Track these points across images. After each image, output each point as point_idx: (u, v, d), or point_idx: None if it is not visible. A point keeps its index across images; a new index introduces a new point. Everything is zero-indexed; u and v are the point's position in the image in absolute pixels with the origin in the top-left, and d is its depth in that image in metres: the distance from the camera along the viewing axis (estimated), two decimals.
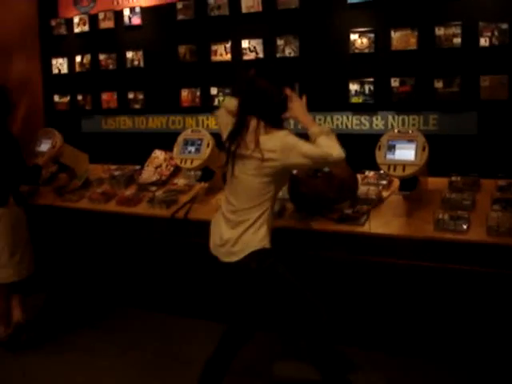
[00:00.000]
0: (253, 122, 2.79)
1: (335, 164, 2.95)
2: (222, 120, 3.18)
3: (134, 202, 4.27)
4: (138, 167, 4.73)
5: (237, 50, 4.50)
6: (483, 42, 3.69)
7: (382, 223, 3.42)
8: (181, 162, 4.03)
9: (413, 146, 3.36)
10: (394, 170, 3.35)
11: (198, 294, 4.34)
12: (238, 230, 2.84)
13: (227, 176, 2.95)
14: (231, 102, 3.17)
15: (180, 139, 4.10)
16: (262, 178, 2.80)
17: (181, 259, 4.33)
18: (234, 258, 2.85)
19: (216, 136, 4.20)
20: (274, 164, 2.75)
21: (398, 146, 3.40)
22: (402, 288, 3.56)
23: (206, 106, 4.69)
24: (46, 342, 4.18)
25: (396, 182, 3.65)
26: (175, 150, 4.08)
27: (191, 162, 3.97)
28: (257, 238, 2.82)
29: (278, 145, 2.72)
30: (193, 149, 4.01)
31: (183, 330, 4.27)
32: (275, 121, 2.84)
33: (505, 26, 3.62)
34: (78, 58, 5.31)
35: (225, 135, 3.00)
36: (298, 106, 2.90)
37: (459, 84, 3.78)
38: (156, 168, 4.58)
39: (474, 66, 3.75)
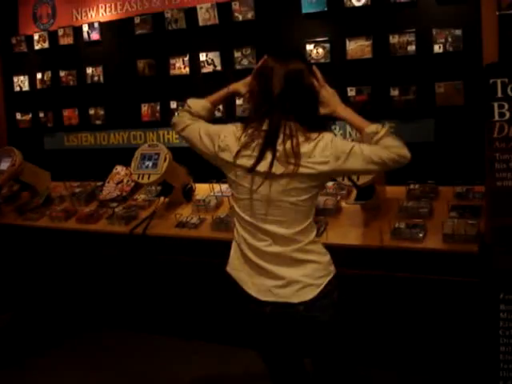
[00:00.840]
0: (288, 127, 2.08)
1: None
2: (198, 128, 2.29)
3: (94, 218, 4.21)
4: (99, 183, 4.66)
5: (195, 63, 4.47)
6: (437, 48, 3.68)
7: (340, 233, 3.39)
8: (138, 178, 3.98)
9: None
10: (349, 179, 3.32)
11: (160, 310, 4.29)
12: (302, 261, 2.17)
13: (242, 203, 2.18)
14: (198, 104, 2.42)
15: (137, 154, 4.05)
16: (310, 193, 2.13)
17: (141, 275, 4.27)
18: (310, 295, 2.15)
19: (174, 150, 4.19)
20: (327, 175, 2.16)
21: None
22: (358, 297, 3.53)
23: (166, 120, 4.65)
24: (8, 364, 4.10)
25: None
26: (133, 165, 4.04)
27: (148, 177, 3.92)
28: (324, 261, 2.26)
29: (328, 154, 2.06)
30: (150, 163, 3.97)
31: (146, 348, 4.20)
32: (313, 120, 2.18)
33: (458, 32, 3.62)
34: (39, 75, 5.27)
35: (216, 147, 2.18)
36: (334, 97, 2.35)
37: (415, 91, 3.77)
38: (117, 184, 4.53)
39: (429, 73, 3.74)
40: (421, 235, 3.17)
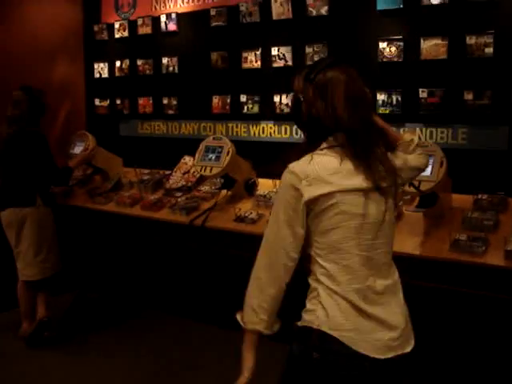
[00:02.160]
0: None
1: None
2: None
3: (157, 207, 4.28)
4: (167, 172, 4.74)
5: (266, 58, 4.44)
6: None
7: (397, 241, 3.25)
8: (201, 170, 4.02)
9: (430, 160, 3.19)
10: (409, 186, 3.20)
11: (215, 301, 4.33)
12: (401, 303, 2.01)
13: (352, 232, 1.81)
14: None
15: (202, 146, 4.09)
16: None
17: (198, 266, 4.32)
18: (412, 343, 1.96)
19: (241, 144, 4.19)
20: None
21: None
22: (414, 308, 3.41)
23: (236, 113, 4.66)
24: (66, 341, 4.27)
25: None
26: (196, 156, 4.08)
27: (210, 170, 3.94)
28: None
29: (399, 162, 2.00)
30: (213, 156, 3.99)
31: (199, 336, 4.27)
32: None
33: None
34: (118, 63, 5.41)
35: None
36: None
37: (490, 96, 3.58)
38: (183, 174, 4.59)
39: (506, 78, 3.54)
40: (481, 249, 3.01)
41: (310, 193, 1.77)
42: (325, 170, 1.78)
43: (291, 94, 2.29)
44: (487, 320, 3.16)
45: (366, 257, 1.81)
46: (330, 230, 1.80)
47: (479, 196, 3.49)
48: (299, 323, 1.86)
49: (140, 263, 4.79)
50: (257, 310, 1.88)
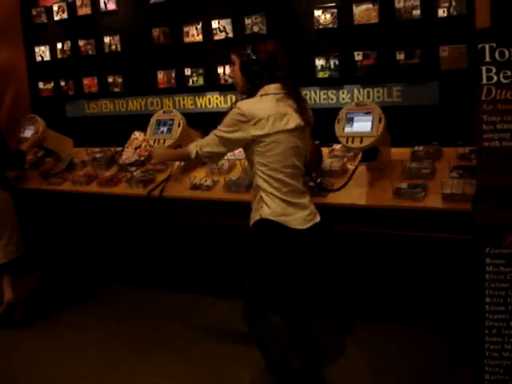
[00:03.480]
0: None
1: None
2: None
3: (114, 182, 4.40)
4: (119, 149, 4.85)
5: (207, 31, 4.59)
6: (441, 12, 3.75)
7: (345, 194, 3.54)
8: (154, 142, 4.16)
9: (369, 117, 3.46)
10: (352, 142, 3.46)
11: (175, 267, 4.55)
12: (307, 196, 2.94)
13: None
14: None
15: (153, 120, 4.23)
16: None
17: (158, 236, 4.51)
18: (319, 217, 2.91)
19: (189, 115, 4.35)
20: None
21: (356, 118, 3.50)
22: (362, 255, 3.73)
23: (181, 87, 4.80)
24: (37, 319, 4.39)
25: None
26: (148, 130, 4.22)
27: (164, 142, 4.10)
28: None
29: None
30: (165, 129, 4.14)
31: (164, 303, 4.47)
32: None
33: None
34: (59, 45, 5.42)
35: None
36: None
37: (420, 55, 3.86)
38: (135, 149, 4.71)
39: (433, 37, 3.82)
40: (421, 195, 3.30)
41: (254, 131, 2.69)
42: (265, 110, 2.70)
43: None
44: (429, 258, 3.50)
45: (291, 173, 2.78)
46: (267, 153, 2.72)
47: (416, 148, 3.78)
48: (255, 219, 2.79)
49: (100, 239, 4.92)
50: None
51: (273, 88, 2.75)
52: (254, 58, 2.74)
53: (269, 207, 2.74)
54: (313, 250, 3.07)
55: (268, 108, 2.71)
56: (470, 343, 2.72)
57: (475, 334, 2.53)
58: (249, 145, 2.77)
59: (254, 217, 2.82)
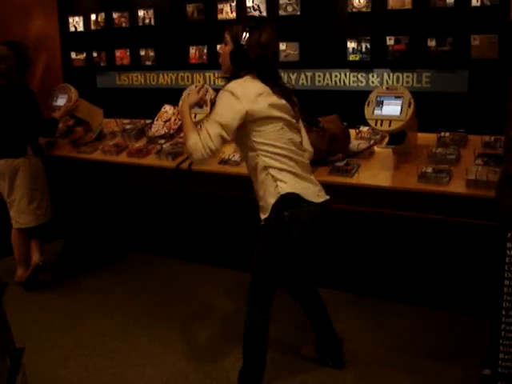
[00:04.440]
0: None
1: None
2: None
3: (144, 153, 4.51)
4: (148, 121, 4.94)
5: (241, 9, 4.65)
6: (475, 1, 3.79)
7: (370, 175, 3.63)
8: None
9: (399, 102, 3.53)
10: (381, 124, 3.54)
11: (202, 240, 4.67)
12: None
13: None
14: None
15: (184, 94, 4.29)
16: None
17: (185, 208, 4.63)
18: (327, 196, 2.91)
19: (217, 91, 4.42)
20: None
21: (385, 101, 3.58)
22: (384, 235, 3.82)
23: (213, 63, 4.88)
24: (63, 283, 4.54)
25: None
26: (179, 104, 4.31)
27: (195, 116, 4.19)
28: None
29: None
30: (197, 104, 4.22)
31: (188, 274, 4.61)
32: None
33: None
34: (93, 17, 5.50)
35: None
36: None
37: (451, 43, 3.91)
38: (165, 122, 4.80)
39: (465, 26, 3.86)
40: (446, 180, 3.38)
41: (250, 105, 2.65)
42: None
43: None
44: (450, 242, 3.59)
45: (294, 149, 2.78)
46: (266, 131, 2.71)
47: (442, 134, 3.84)
48: (272, 203, 2.71)
49: (127, 209, 5.06)
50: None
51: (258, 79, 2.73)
52: (245, 49, 2.70)
53: (285, 182, 2.71)
54: (322, 226, 3.00)
55: (258, 86, 2.70)
56: (485, 326, 2.83)
57: (492, 314, 2.63)
58: (245, 125, 2.69)
59: (270, 202, 2.72)
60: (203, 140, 2.64)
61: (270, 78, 2.74)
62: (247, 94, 2.65)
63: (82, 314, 4.02)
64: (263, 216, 2.78)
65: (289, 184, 2.72)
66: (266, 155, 2.72)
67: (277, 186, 2.71)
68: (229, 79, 2.78)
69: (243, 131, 2.73)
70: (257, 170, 2.76)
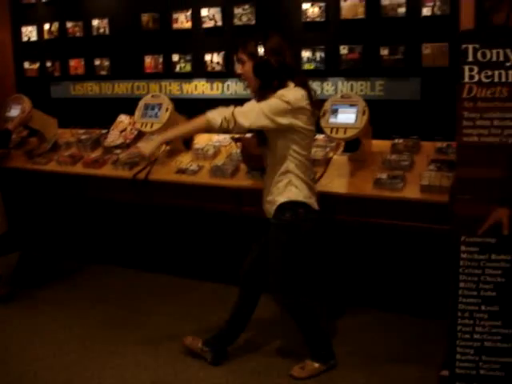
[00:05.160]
0: None
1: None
2: None
3: (99, 163, 4.46)
4: (104, 131, 4.90)
5: (197, 18, 4.66)
6: (426, 11, 3.89)
7: (327, 182, 3.67)
8: (141, 126, 4.25)
9: (354, 110, 3.59)
10: (337, 132, 3.59)
11: (159, 250, 4.65)
12: None
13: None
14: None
15: (141, 104, 4.30)
16: None
17: (142, 218, 4.59)
18: None
19: (175, 101, 4.42)
20: None
21: (340, 110, 3.63)
22: (341, 241, 3.87)
23: (168, 72, 4.87)
24: (19, 296, 4.44)
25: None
26: (136, 114, 4.29)
27: (151, 126, 4.18)
28: None
29: None
30: (153, 113, 4.22)
31: (146, 284, 4.57)
32: None
33: None
34: (47, 26, 5.43)
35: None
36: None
37: (403, 51, 3.99)
38: (121, 132, 4.76)
39: (417, 35, 3.95)
40: (400, 185, 3.45)
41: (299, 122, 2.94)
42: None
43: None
44: (405, 246, 3.66)
45: (310, 160, 3.15)
46: (302, 142, 2.98)
47: (396, 141, 3.91)
48: (279, 201, 3.01)
49: (83, 220, 5.00)
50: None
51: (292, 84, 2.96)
52: (266, 59, 2.92)
53: (299, 189, 3.01)
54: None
55: (304, 97, 2.94)
56: (442, 327, 2.89)
57: (449, 316, 2.69)
58: (287, 132, 2.94)
59: (278, 199, 3.02)
60: (227, 112, 2.91)
61: (303, 81, 3.02)
62: (298, 105, 2.91)
63: (40, 327, 3.94)
64: (272, 208, 3.06)
65: (302, 192, 3.02)
66: (293, 161, 3.00)
67: (290, 190, 3.01)
68: (260, 94, 2.97)
69: (284, 134, 2.96)
70: (279, 170, 3.02)
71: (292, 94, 2.91)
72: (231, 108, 2.94)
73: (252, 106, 2.94)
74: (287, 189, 3.01)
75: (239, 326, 3.37)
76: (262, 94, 2.96)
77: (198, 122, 3.01)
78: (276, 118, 2.87)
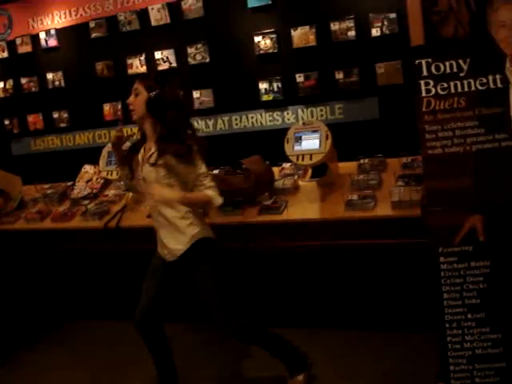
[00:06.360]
0: None
1: None
2: None
3: (69, 216, 4.40)
4: (70, 183, 4.85)
5: (151, 62, 4.69)
6: (375, 32, 3.99)
7: (299, 210, 3.68)
8: (107, 174, 4.22)
9: (317, 135, 3.62)
10: (303, 159, 3.61)
11: (138, 297, 4.55)
12: None
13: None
14: None
15: (104, 152, 4.27)
16: None
17: (117, 266, 4.52)
18: None
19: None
20: None
21: (303, 137, 3.66)
22: (321, 266, 3.86)
23: (128, 118, 4.85)
24: (3, 360, 4.31)
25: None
26: (101, 163, 4.26)
27: (117, 173, 4.15)
28: None
29: None
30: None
31: (128, 333, 4.46)
32: None
33: (393, 15, 3.92)
34: (1, 84, 5.42)
35: None
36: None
37: (358, 73, 4.07)
38: (87, 182, 4.72)
39: (369, 56, 4.04)
40: (371, 205, 3.47)
41: None
42: None
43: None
44: (383, 263, 3.67)
45: None
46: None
47: (361, 161, 3.95)
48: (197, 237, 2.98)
49: (58, 275, 4.90)
50: None
51: None
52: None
53: (203, 225, 3.04)
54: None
55: None
56: (432, 341, 2.89)
57: (436, 329, 2.69)
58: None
59: (196, 235, 2.99)
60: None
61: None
62: None
63: None
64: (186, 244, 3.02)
65: (205, 226, 3.10)
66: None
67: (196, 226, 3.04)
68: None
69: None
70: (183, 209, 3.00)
71: None
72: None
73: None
74: (192, 227, 3.00)
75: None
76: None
77: (201, 197, 2.98)
78: None
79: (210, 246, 3.03)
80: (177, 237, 3.00)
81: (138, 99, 2.96)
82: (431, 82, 2.64)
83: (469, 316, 2.63)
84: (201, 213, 3.09)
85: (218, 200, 2.95)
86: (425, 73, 2.64)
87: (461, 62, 2.60)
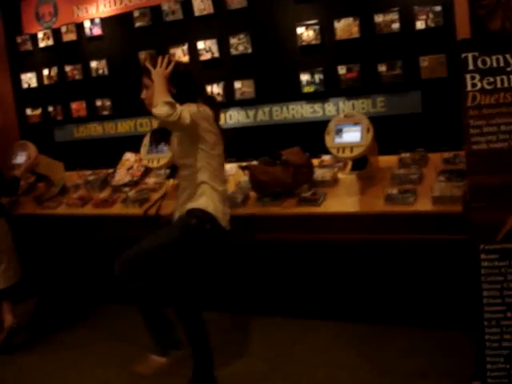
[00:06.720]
0: None
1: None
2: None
3: (109, 203, 4.48)
4: (110, 170, 4.93)
5: (194, 52, 4.71)
6: (419, 25, 3.93)
7: (338, 202, 3.67)
8: (148, 162, 4.26)
9: (358, 128, 3.61)
10: (343, 151, 3.60)
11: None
12: None
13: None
14: None
15: (145, 140, 4.32)
16: None
17: None
18: None
19: None
20: None
21: (344, 129, 3.65)
22: (358, 260, 3.84)
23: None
24: (39, 343, 4.41)
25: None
26: (142, 151, 4.31)
27: (158, 161, 4.20)
28: None
29: None
30: (158, 148, 4.23)
31: None
32: None
33: (438, 8, 3.85)
34: (46, 71, 5.51)
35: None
36: None
37: (401, 66, 4.02)
38: (128, 170, 4.79)
39: (413, 49, 3.99)
40: (412, 199, 3.45)
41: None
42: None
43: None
44: (423, 259, 3.63)
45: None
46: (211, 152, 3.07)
47: (403, 155, 3.93)
48: (192, 206, 3.05)
49: (97, 261, 4.98)
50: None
51: None
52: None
53: (211, 200, 3.06)
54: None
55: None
56: (469, 339, 2.86)
57: (475, 327, 2.66)
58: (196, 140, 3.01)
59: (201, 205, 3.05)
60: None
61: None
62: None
63: (63, 372, 3.90)
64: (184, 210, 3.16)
65: (213, 203, 3.11)
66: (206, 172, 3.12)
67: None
68: None
69: (194, 142, 3.06)
70: (196, 180, 3.10)
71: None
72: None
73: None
74: (200, 198, 3.07)
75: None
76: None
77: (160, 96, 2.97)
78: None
79: (206, 225, 3.03)
80: (188, 200, 3.10)
81: (149, 92, 3.11)
82: (477, 76, 2.61)
83: (508, 315, 2.60)
84: (223, 199, 3.13)
85: (157, 108, 2.88)
86: (471, 67, 2.61)
87: (508, 56, 2.56)
